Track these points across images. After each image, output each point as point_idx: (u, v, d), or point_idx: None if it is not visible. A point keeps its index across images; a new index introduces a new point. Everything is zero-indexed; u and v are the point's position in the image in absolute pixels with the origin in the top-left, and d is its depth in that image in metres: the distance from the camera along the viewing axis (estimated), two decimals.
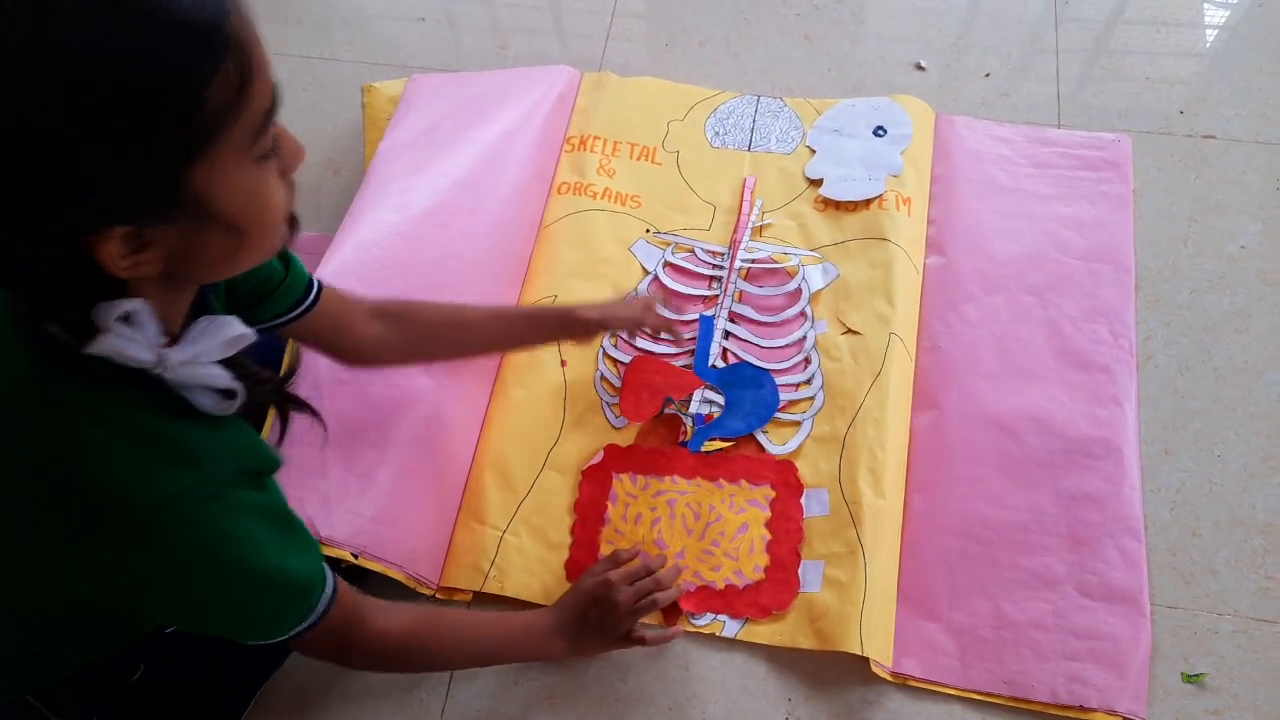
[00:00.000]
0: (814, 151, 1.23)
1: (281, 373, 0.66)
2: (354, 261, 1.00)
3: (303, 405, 0.67)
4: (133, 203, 0.47)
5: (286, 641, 0.67)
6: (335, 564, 0.86)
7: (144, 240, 0.49)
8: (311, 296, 0.79)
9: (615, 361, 1.10)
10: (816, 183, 1.20)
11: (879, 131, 1.23)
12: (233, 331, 0.57)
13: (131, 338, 0.52)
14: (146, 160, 0.46)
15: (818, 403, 1.06)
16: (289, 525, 0.64)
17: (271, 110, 0.51)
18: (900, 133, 1.23)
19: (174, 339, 0.56)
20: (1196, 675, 0.93)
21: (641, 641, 0.90)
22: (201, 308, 0.61)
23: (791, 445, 1.04)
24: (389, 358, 0.90)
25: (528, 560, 0.99)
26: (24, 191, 0.44)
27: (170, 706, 0.84)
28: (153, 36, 0.43)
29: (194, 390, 0.56)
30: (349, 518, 0.90)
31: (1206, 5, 1.39)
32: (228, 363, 0.58)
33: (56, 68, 0.42)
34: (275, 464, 0.63)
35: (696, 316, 1.11)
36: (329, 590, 0.67)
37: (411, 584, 0.95)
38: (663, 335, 1.06)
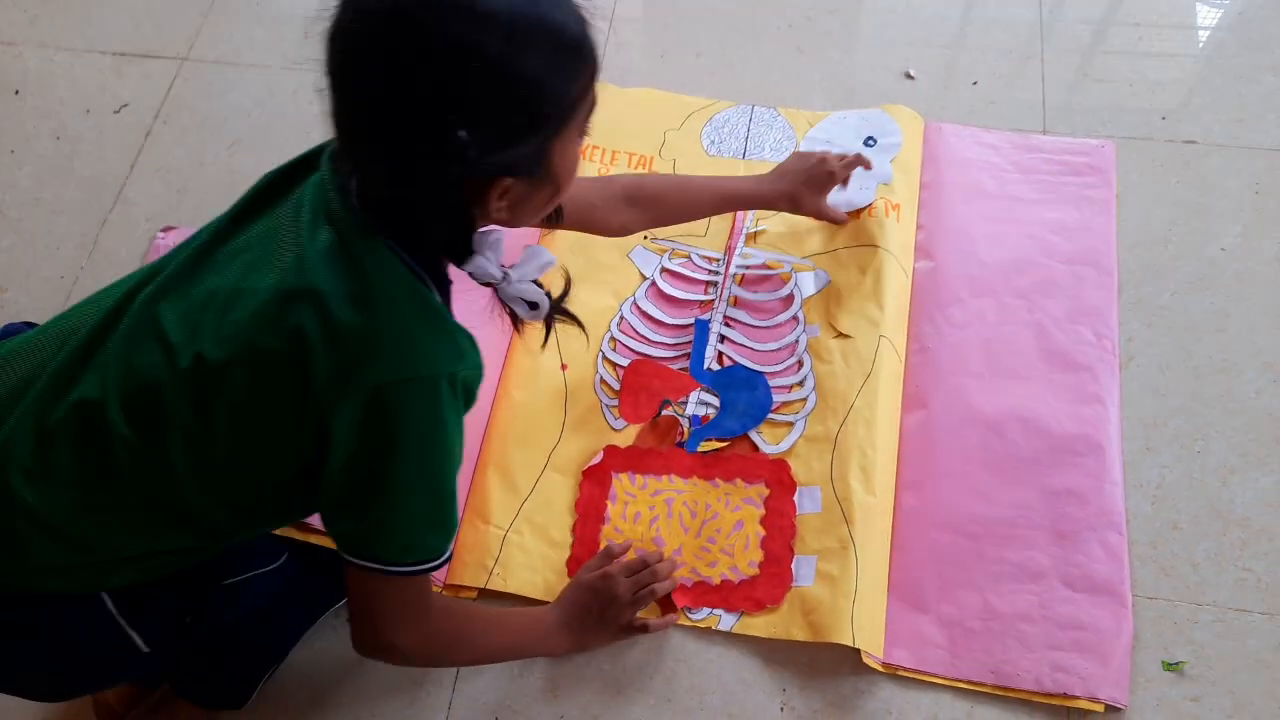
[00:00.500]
0: None
1: (558, 294, 0.79)
2: None
3: (574, 318, 0.81)
4: (522, 161, 0.63)
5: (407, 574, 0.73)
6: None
7: (511, 189, 0.64)
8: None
9: (614, 365, 1.13)
10: None
11: (869, 141, 1.27)
12: (545, 258, 0.75)
13: (490, 259, 0.69)
14: (536, 132, 0.62)
15: (810, 404, 1.09)
16: (458, 467, 0.72)
17: (596, 100, 0.66)
18: (890, 141, 1.27)
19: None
20: (1176, 663, 0.97)
21: (643, 629, 0.94)
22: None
23: (785, 445, 1.07)
24: (634, 230, 1.08)
25: (530, 558, 1.02)
26: (470, 146, 0.59)
27: (205, 655, 0.89)
28: (556, 51, 0.60)
29: (515, 301, 0.73)
30: None
31: (1189, 15, 1.43)
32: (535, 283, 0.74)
33: (507, 68, 0.58)
34: (475, 399, 0.71)
35: (692, 321, 1.15)
36: (450, 549, 0.75)
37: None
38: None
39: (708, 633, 0.99)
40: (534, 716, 0.96)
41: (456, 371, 0.67)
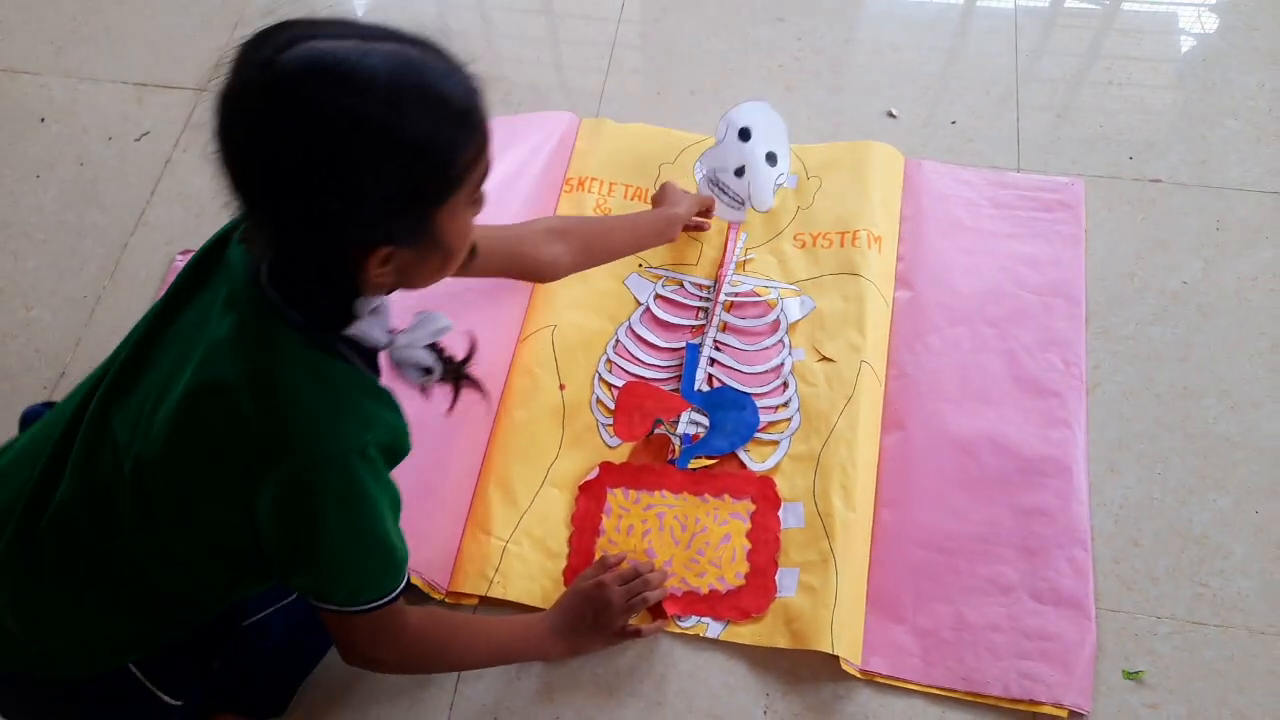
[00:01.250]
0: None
1: (462, 358, 0.80)
2: None
3: (476, 383, 0.81)
4: (403, 230, 0.63)
5: (354, 613, 0.76)
6: None
7: (392, 256, 0.64)
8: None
9: (610, 385, 1.19)
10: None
11: (771, 158, 1.33)
12: (440, 324, 0.74)
13: (375, 324, 0.69)
14: (418, 201, 0.62)
15: (794, 424, 1.16)
16: (397, 510, 0.75)
17: (488, 172, 0.67)
18: (782, 158, 1.34)
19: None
20: (1136, 672, 1.02)
21: (635, 634, 1.00)
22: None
23: (770, 462, 1.13)
24: (562, 273, 1.12)
25: (529, 567, 1.08)
26: (346, 213, 0.60)
27: (239, 691, 0.95)
28: (439, 116, 0.60)
29: (406, 366, 0.73)
30: None
31: (1156, 63, 1.51)
32: (430, 347, 0.74)
33: (387, 129, 0.59)
34: (407, 450, 0.74)
35: (684, 345, 1.22)
36: (404, 581, 0.78)
37: (426, 588, 1.04)
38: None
39: (696, 640, 1.05)
40: (530, 716, 1.01)
41: (366, 442, 0.68)
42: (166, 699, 0.83)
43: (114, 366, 0.75)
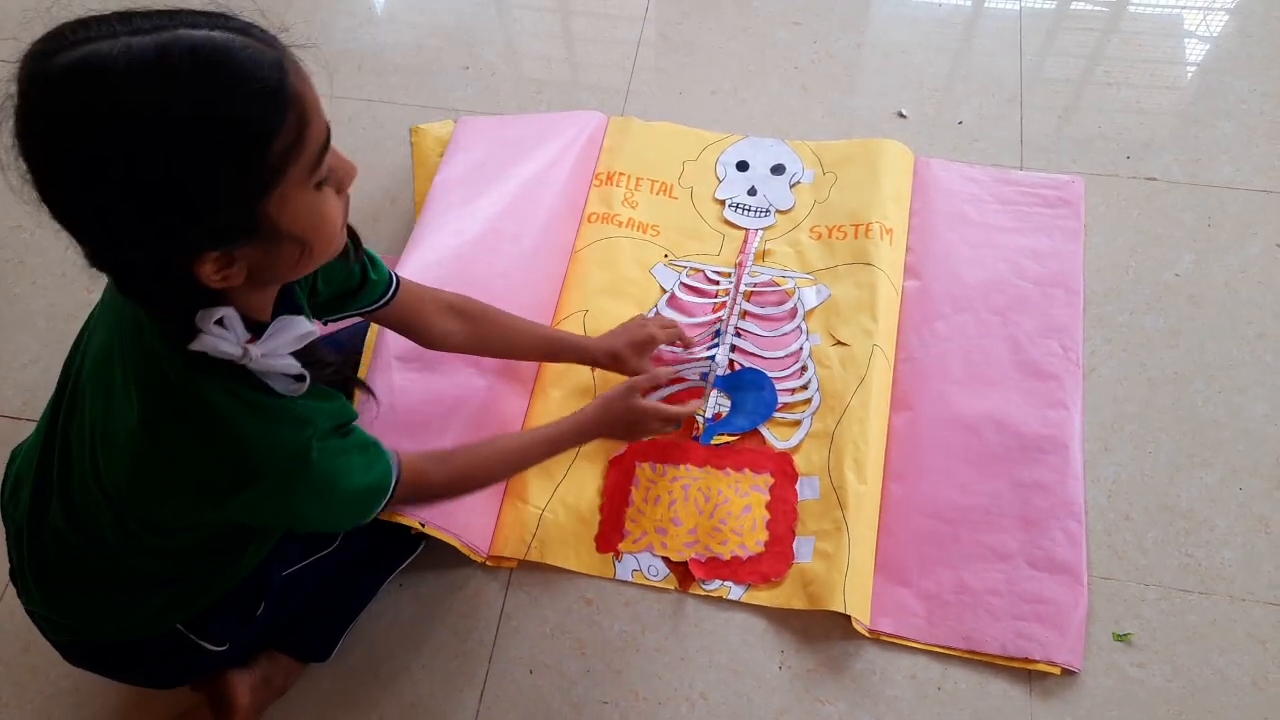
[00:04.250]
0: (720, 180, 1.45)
1: (343, 360, 0.82)
2: (419, 279, 1.18)
3: (360, 384, 0.85)
4: (222, 232, 0.59)
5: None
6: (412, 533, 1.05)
7: (232, 258, 0.61)
8: (389, 294, 0.96)
9: None
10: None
11: (778, 169, 1.44)
12: (301, 329, 0.70)
13: (223, 336, 0.65)
14: (230, 198, 0.58)
15: (815, 403, 1.23)
16: (366, 450, 0.79)
17: (325, 146, 0.62)
18: (794, 171, 1.44)
19: (258, 331, 0.68)
20: (1125, 634, 1.10)
21: (667, 425, 1.10)
22: (288, 301, 0.76)
23: (794, 441, 1.21)
24: (450, 348, 1.07)
25: (564, 534, 1.17)
26: (144, 226, 0.57)
27: (286, 632, 1.03)
28: (234, 101, 0.55)
29: (271, 376, 0.69)
30: None
31: (1153, 67, 1.58)
32: (300, 352, 0.71)
33: (169, 128, 0.54)
34: (354, 416, 0.78)
35: (707, 330, 1.30)
36: (395, 476, 0.82)
37: (466, 551, 1.12)
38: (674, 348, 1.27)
39: (717, 601, 1.13)
40: (564, 669, 1.10)
41: (308, 440, 0.70)
42: (211, 648, 0.91)
43: (69, 387, 0.79)
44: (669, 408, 1.09)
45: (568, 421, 1.04)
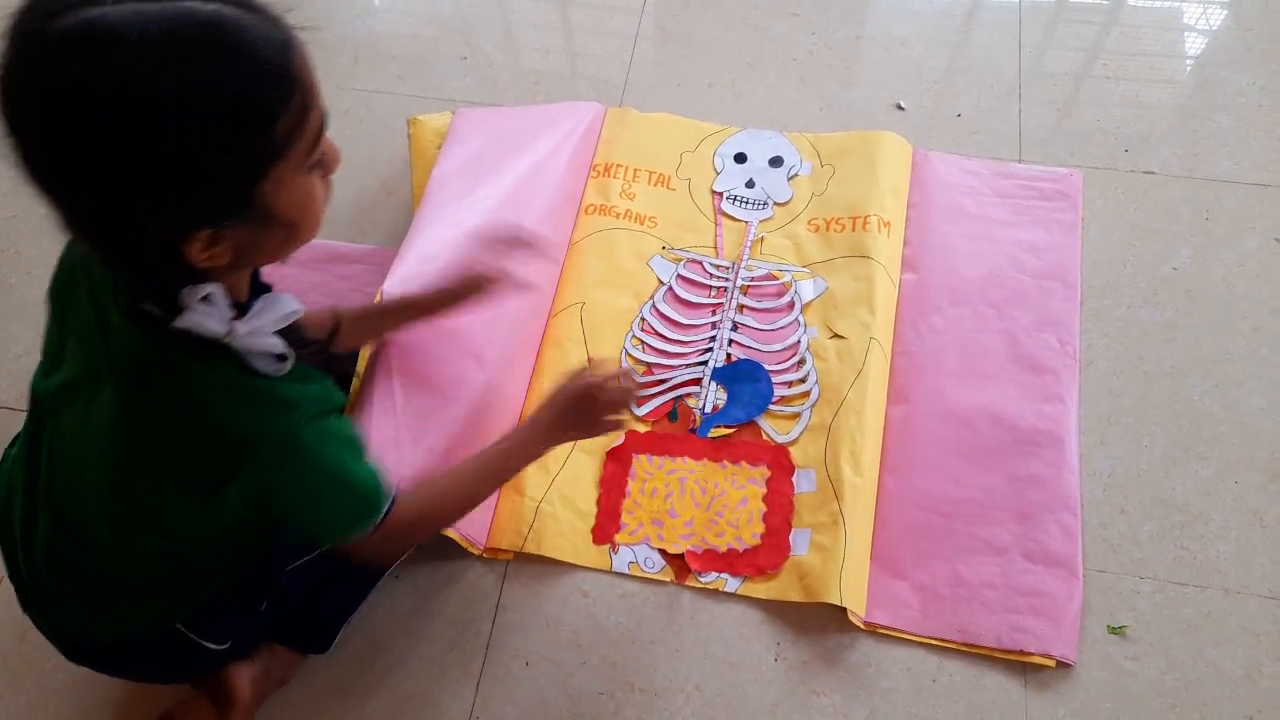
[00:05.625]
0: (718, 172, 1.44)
1: (325, 338, 0.80)
2: (418, 271, 1.18)
3: (340, 365, 0.80)
4: (216, 210, 0.59)
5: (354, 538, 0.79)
6: None
7: (221, 237, 0.60)
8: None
9: (636, 360, 1.28)
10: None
11: (776, 161, 1.44)
12: (287, 308, 0.70)
13: (208, 314, 0.64)
14: (230, 177, 0.57)
15: (813, 395, 1.24)
16: (355, 443, 0.77)
17: (322, 130, 0.62)
18: (791, 164, 1.43)
19: (240, 309, 0.67)
20: (1120, 627, 1.10)
21: (616, 426, 0.99)
22: (257, 283, 0.74)
23: (793, 434, 1.21)
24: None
25: (560, 526, 1.17)
26: (142, 200, 0.56)
27: (285, 626, 1.03)
28: (237, 76, 0.55)
29: (254, 356, 0.68)
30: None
31: (1151, 61, 1.58)
32: (283, 332, 0.70)
33: (174, 102, 0.53)
34: (344, 402, 0.76)
35: (703, 322, 1.29)
36: (392, 496, 0.80)
37: (464, 543, 1.13)
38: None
39: (713, 593, 1.13)
40: (561, 661, 1.10)
41: (296, 423, 0.68)
42: (211, 646, 0.91)
43: (39, 393, 0.77)
44: (622, 386, 0.97)
45: (517, 431, 0.97)
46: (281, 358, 0.69)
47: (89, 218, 0.59)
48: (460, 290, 1.08)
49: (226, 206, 0.59)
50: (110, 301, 0.67)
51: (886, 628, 1.10)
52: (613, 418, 0.97)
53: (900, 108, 1.52)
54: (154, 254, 0.60)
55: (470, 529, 1.13)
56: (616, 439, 1.22)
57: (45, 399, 0.77)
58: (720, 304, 1.32)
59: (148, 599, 0.84)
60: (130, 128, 0.53)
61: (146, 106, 0.53)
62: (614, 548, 1.15)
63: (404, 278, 1.17)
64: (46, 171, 0.56)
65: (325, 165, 0.65)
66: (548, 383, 1.26)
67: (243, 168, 0.58)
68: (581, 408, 0.95)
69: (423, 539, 0.94)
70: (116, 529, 0.76)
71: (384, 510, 0.79)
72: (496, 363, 1.20)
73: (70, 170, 0.55)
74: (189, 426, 0.68)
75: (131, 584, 0.83)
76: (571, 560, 1.15)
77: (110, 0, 0.53)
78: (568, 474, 1.20)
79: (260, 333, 0.68)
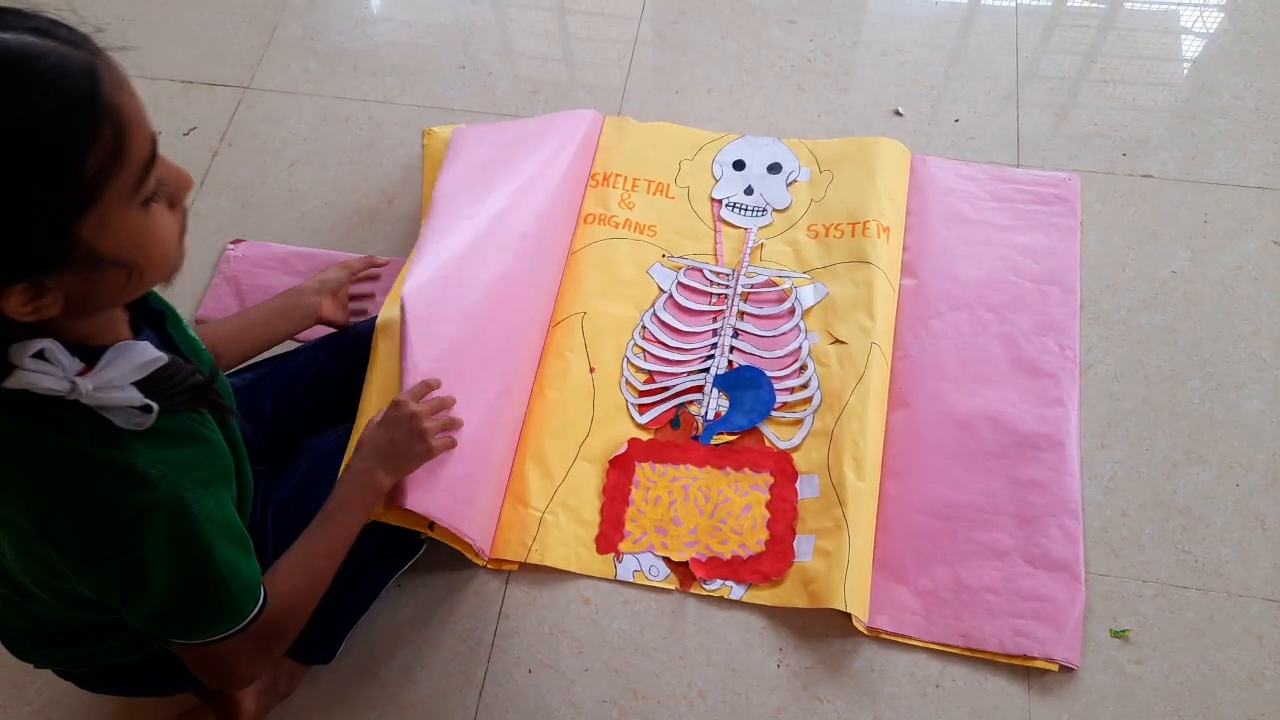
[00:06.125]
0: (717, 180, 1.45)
1: (209, 377, 0.69)
2: (433, 277, 1.14)
3: (223, 408, 0.71)
4: (27, 262, 0.52)
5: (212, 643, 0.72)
6: (414, 535, 1.04)
7: (43, 289, 0.54)
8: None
9: (637, 368, 1.28)
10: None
11: (774, 167, 1.44)
12: (143, 357, 0.62)
13: (46, 371, 0.57)
14: (36, 225, 0.51)
15: (815, 401, 1.24)
16: (234, 533, 0.71)
17: (151, 159, 0.55)
18: (789, 169, 1.44)
19: (92, 361, 0.60)
20: (1122, 631, 1.10)
21: (450, 446, 0.98)
22: (146, 312, 0.69)
23: (796, 440, 1.21)
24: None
25: (564, 535, 1.17)
26: None
27: None
28: (33, 111, 0.49)
29: (111, 410, 0.60)
30: (433, 495, 1.02)
31: (1149, 64, 1.58)
32: (149, 380, 0.62)
33: None
34: (227, 469, 0.69)
35: (704, 329, 1.30)
36: (252, 613, 0.73)
37: (471, 555, 1.12)
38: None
39: (715, 600, 1.14)
40: (563, 669, 1.10)
41: (154, 500, 0.62)
42: None
43: None
44: (429, 398, 0.97)
45: (339, 489, 0.90)
46: (146, 409, 0.62)
47: None
48: (293, 308, 1.11)
49: (39, 258, 0.53)
50: None
51: (889, 633, 1.11)
52: (439, 429, 0.95)
53: (898, 113, 1.53)
54: None
55: (478, 539, 1.13)
56: (620, 447, 1.22)
57: None
58: (721, 311, 1.32)
59: (107, 641, 0.82)
60: None
61: None
62: (618, 556, 1.16)
63: (420, 285, 1.12)
64: None
65: (168, 195, 0.59)
66: (551, 393, 1.26)
67: (47, 213, 0.51)
68: (403, 431, 0.92)
69: (287, 644, 0.82)
70: (45, 590, 0.73)
71: (258, 603, 0.73)
72: (502, 378, 1.19)
73: None
74: (52, 511, 0.62)
75: (85, 629, 0.80)
76: (576, 570, 1.15)
77: None
78: (570, 484, 1.20)
79: (111, 386, 0.60)
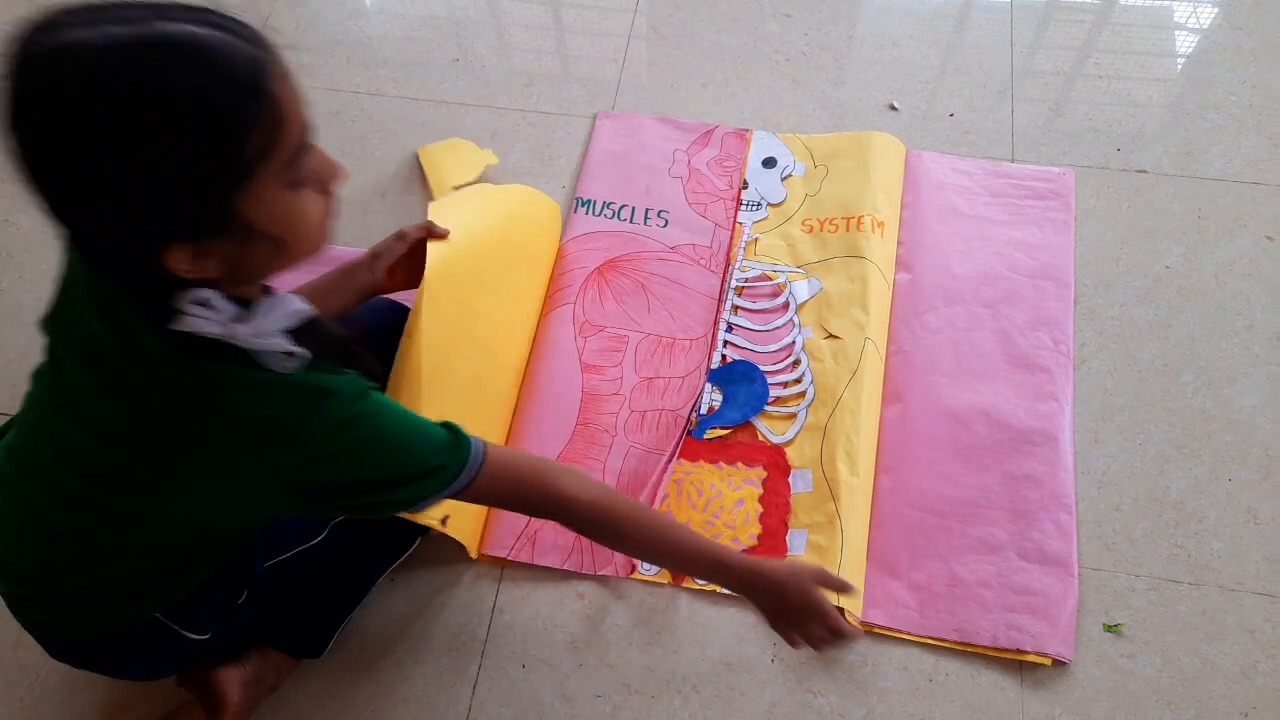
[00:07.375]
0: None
1: (351, 335, 0.78)
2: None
3: (361, 359, 0.78)
4: (190, 223, 0.60)
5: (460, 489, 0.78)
6: (408, 527, 1.04)
7: (206, 251, 0.61)
8: None
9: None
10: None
11: (769, 162, 1.44)
12: (291, 307, 0.71)
13: (206, 317, 0.65)
14: (199, 189, 0.58)
15: (809, 396, 1.24)
16: (410, 413, 0.76)
17: (302, 146, 0.63)
18: (785, 164, 1.43)
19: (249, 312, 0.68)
20: (1115, 625, 1.11)
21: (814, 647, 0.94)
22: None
23: (789, 434, 1.21)
24: None
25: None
26: (114, 210, 0.58)
27: (277, 627, 1.02)
28: (210, 91, 0.56)
29: (263, 355, 0.68)
30: None
31: (1143, 60, 1.58)
32: (301, 331, 0.70)
33: (140, 110, 0.55)
34: (380, 383, 0.76)
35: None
36: (478, 446, 0.79)
37: (471, 548, 1.12)
38: None
39: (710, 595, 1.13)
40: (557, 663, 1.10)
41: (344, 403, 0.68)
42: (191, 636, 0.90)
43: (45, 366, 0.76)
44: (840, 620, 0.92)
45: (736, 555, 0.91)
46: (290, 355, 0.69)
47: (72, 221, 0.60)
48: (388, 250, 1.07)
49: (203, 221, 0.60)
50: (129, 316, 0.67)
51: (883, 627, 1.10)
52: (812, 643, 0.93)
53: (893, 108, 1.52)
54: (134, 261, 0.61)
55: (466, 535, 1.13)
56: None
57: (42, 407, 0.77)
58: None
59: (134, 595, 0.83)
60: (96, 136, 0.55)
61: (109, 114, 0.55)
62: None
63: None
64: (33, 174, 0.58)
65: (319, 182, 0.66)
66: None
67: (211, 181, 0.59)
68: (797, 612, 0.91)
69: (590, 530, 0.87)
70: (115, 517, 0.76)
71: (469, 454, 0.77)
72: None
73: (53, 183, 0.58)
74: (221, 422, 0.67)
75: (119, 578, 0.82)
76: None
77: (86, 23, 0.56)
78: None
79: (264, 333, 0.68)
